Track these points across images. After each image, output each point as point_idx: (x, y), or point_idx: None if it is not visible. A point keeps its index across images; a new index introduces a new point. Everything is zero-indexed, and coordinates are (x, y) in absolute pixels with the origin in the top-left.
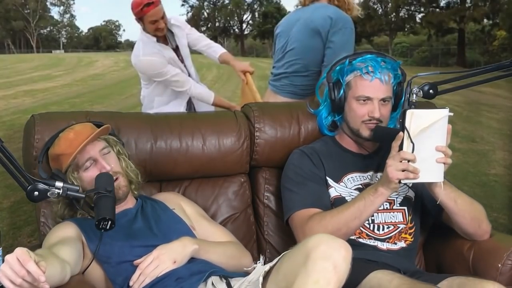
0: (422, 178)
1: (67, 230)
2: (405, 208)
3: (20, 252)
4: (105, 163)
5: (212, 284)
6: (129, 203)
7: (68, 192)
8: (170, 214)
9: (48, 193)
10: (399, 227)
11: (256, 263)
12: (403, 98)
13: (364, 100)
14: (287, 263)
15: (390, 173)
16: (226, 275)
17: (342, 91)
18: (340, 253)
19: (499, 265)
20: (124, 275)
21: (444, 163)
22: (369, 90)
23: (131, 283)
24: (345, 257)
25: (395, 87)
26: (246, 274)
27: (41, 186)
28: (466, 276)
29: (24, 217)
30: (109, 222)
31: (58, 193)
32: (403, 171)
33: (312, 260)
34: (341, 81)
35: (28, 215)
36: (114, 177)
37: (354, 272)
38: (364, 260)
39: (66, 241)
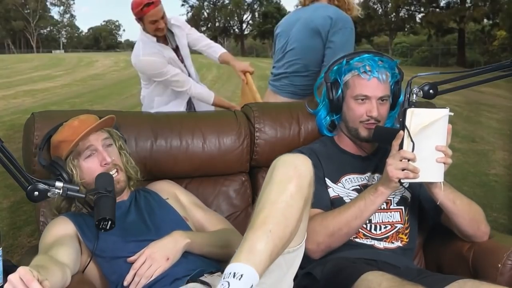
0: (422, 178)
1: (63, 228)
2: (402, 207)
3: (23, 271)
4: (106, 155)
5: (205, 276)
6: (124, 195)
7: (68, 192)
8: (164, 205)
9: (48, 193)
10: (396, 226)
11: None
12: (402, 97)
13: (362, 99)
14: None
15: (390, 172)
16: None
17: (340, 91)
18: (299, 158)
19: (499, 265)
20: (118, 273)
21: (444, 163)
22: (367, 89)
23: (125, 283)
24: (303, 160)
25: (392, 86)
26: None
27: (41, 186)
28: (468, 277)
29: (24, 217)
30: (109, 222)
31: (58, 193)
32: (403, 170)
33: (275, 169)
34: (339, 81)
35: (28, 215)
36: (114, 170)
37: (347, 272)
38: (363, 260)
39: (63, 240)
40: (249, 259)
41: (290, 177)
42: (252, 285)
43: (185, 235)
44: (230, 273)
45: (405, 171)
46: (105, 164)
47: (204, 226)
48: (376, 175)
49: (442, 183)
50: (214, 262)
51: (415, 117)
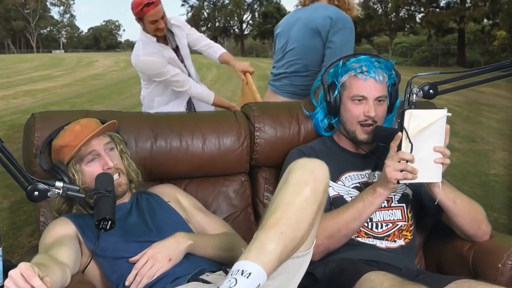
0: (420, 178)
1: (64, 228)
2: (404, 205)
3: (24, 267)
4: (109, 159)
5: (207, 275)
6: (125, 198)
7: (68, 192)
8: (165, 207)
9: (48, 193)
10: (397, 224)
11: None
12: (399, 100)
13: (359, 100)
14: (273, 195)
15: (389, 173)
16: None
17: (337, 92)
18: (316, 162)
19: (499, 265)
20: (119, 273)
21: (442, 164)
22: (364, 90)
23: (127, 283)
24: (320, 165)
25: (389, 88)
26: None
27: (41, 186)
28: (468, 277)
29: (24, 217)
30: (109, 222)
31: (58, 193)
32: (401, 171)
33: (292, 172)
34: (336, 82)
35: (28, 215)
36: (116, 174)
37: (349, 272)
38: (364, 260)
39: (63, 241)
40: (258, 258)
41: (306, 181)
42: (259, 284)
43: (188, 237)
44: (238, 270)
45: (404, 172)
46: (108, 168)
47: (205, 230)
48: (377, 173)
49: (441, 183)
50: (216, 263)
51: (413, 119)
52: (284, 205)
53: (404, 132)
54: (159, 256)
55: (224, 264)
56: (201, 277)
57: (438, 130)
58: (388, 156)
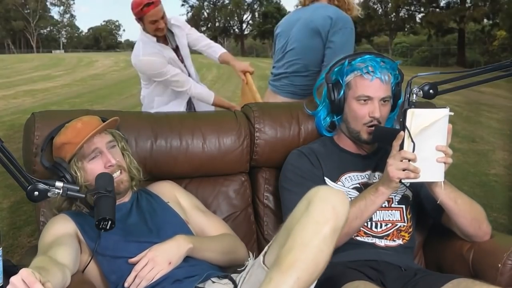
0: (423, 178)
1: (63, 226)
2: (403, 206)
3: (26, 273)
4: (111, 157)
5: (213, 282)
6: (125, 197)
7: (68, 192)
8: (165, 207)
9: (48, 193)
10: (396, 225)
11: (249, 258)
12: (402, 98)
13: (364, 100)
14: (289, 218)
15: (391, 172)
16: (225, 275)
17: (342, 92)
18: (338, 196)
19: (499, 265)
20: (119, 274)
21: (444, 163)
22: (370, 90)
23: (126, 285)
24: (342, 200)
25: (393, 87)
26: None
27: (41, 186)
28: (468, 277)
29: (24, 217)
30: (109, 222)
31: (58, 193)
32: (403, 170)
33: (313, 203)
34: (341, 81)
35: (28, 215)
36: (118, 171)
37: (334, 281)
38: (362, 261)
39: (63, 240)
40: None
41: (327, 219)
42: None
43: (189, 240)
44: None
45: (406, 171)
46: (110, 166)
47: (204, 230)
48: (377, 174)
49: (443, 182)
50: (215, 266)
51: (416, 118)
52: (302, 246)
53: (406, 131)
54: (159, 259)
55: (223, 266)
56: (206, 287)
57: (441, 129)
58: (390, 155)
